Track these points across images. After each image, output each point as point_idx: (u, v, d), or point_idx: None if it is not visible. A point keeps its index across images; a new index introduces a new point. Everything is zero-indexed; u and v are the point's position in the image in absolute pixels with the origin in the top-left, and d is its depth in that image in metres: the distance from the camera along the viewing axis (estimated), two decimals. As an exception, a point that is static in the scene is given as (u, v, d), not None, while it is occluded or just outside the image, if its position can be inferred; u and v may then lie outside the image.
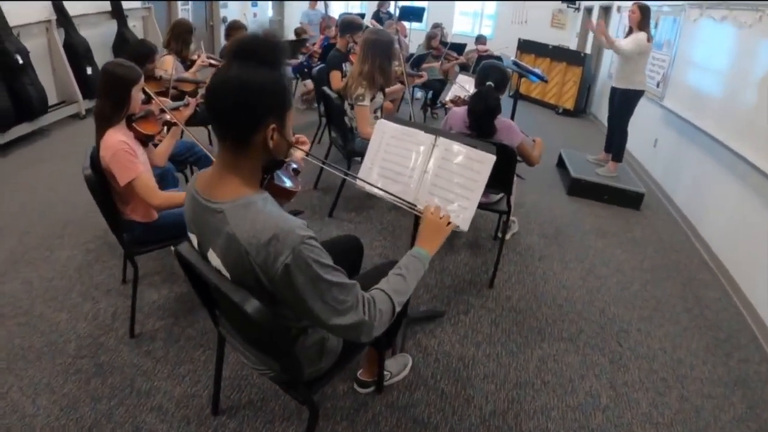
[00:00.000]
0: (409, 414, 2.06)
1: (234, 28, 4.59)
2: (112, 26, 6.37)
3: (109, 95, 2.12)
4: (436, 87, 6.66)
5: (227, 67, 1.14)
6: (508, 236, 3.55)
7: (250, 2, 10.44)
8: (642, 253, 3.68)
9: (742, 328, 2.94)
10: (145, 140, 2.33)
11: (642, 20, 4.36)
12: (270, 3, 11.45)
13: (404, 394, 2.15)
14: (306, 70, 6.22)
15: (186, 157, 3.22)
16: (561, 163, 5.26)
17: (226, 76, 1.13)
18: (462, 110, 2.94)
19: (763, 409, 2.31)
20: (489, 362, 2.39)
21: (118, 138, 2.08)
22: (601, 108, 7.49)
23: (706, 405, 2.30)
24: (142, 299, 2.57)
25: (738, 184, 3.55)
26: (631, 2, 4.48)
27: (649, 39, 4.39)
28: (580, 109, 8.32)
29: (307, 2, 9.01)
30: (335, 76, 4.28)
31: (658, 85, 5.39)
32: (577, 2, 9.51)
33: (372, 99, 3.41)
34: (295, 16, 10.78)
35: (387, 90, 3.67)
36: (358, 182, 1.99)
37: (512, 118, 4.07)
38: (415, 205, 1.81)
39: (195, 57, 4.12)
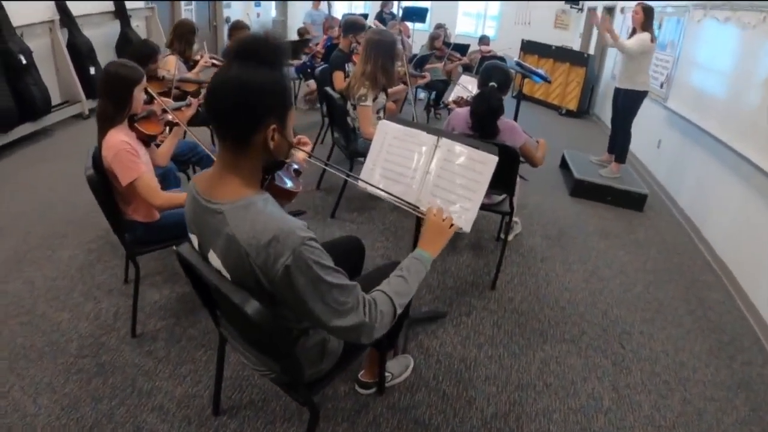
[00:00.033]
0: (410, 416, 2.05)
1: (236, 28, 4.59)
2: (116, 26, 6.38)
3: (111, 96, 2.12)
4: (439, 88, 6.66)
5: (227, 68, 1.14)
6: (510, 237, 3.54)
7: (253, 2, 10.44)
8: (645, 254, 3.67)
9: (746, 331, 2.93)
10: (147, 140, 2.33)
11: (645, 21, 4.35)
12: (273, 3, 11.44)
13: (405, 396, 2.14)
14: (309, 70, 6.22)
15: (188, 157, 3.22)
16: (564, 164, 5.25)
17: (226, 76, 1.13)
18: (464, 111, 2.94)
19: (766, 412, 2.30)
20: (491, 364, 2.38)
21: (120, 138, 2.08)
22: (604, 109, 7.47)
23: (709, 408, 2.28)
24: (143, 299, 2.57)
25: (742, 185, 3.53)
26: (635, 3, 4.47)
27: (653, 39, 4.37)
28: (584, 110, 8.30)
29: (310, 2, 9.01)
30: (338, 77, 4.28)
31: (661, 86, 5.37)
32: (580, 3, 9.49)
33: (374, 99, 3.41)
34: (298, 17, 10.79)
35: (390, 90, 3.66)
36: (360, 183, 1.98)
37: (515, 118, 4.06)
38: (418, 207, 1.81)
39: (198, 57, 4.13)
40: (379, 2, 9.00)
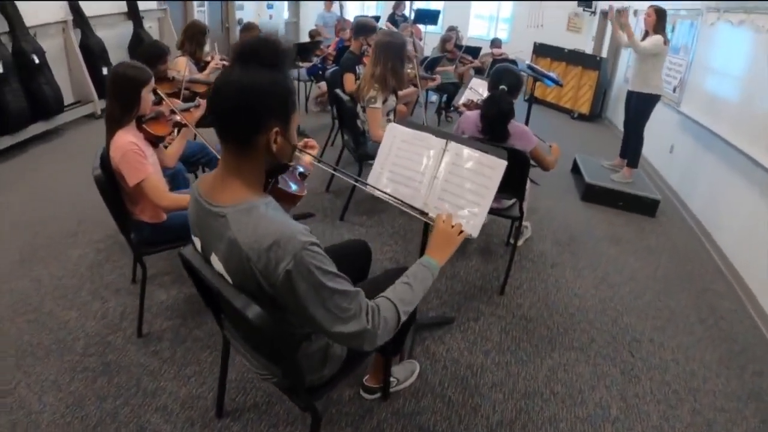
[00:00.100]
0: (415, 422, 2.03)
1: (247, 29, 4.60)
2: (128, 27, 6.43)
3: (119, 97, 2.12)
4: (450, 90, 6.63)
5: (230, 70, 1.13)
6: (520, 242, 3.51)
7: (265, 4, 10.47)
8: (656, 261, 3.62)
9: (758, 340, 2.87)
10: (155, 141, 2.33)
11: (658, 23, 4.30)
12: (285, 4, 11.47)
13: (410, 402, 2.12)
14: (320, 72, 6.22)
15: (197, 158, 3.23)
16: (576, 169, 5.20)
17: (227, 78, 1.12)
18: (474, 114, 2.91)
19: (779, 425, 2.26)
20: (498, 371, 2.36)
21: (127, 139, 2.08)
22: (616, 113, 7.40)
23: (719, 419, 2.24)
24: (150, 299, 2.58)
25: (755, 191, 3.47)
26: (647, 5, 4.42)
27: (666, 42, 4.33)
28: (596, 114, 8.22)
29: (322, 3, 9.02)
30: (349, 79, 4.27)
31: (674, 90, 5.31)
32: (593, 5, 9.42)
33: (384, 102, 3.40)
34: (310, 18, 10.81)
35: (400, 93, 3.65)
36: (368, 188, 1.97)
37: (527, 122, 4.03)
38: (427, 213, 1.79)
39: (208, 59, 4.14)
40: (392, 3, 8.98)
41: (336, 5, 9.05)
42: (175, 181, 2.77)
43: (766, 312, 3.01)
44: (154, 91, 2.32)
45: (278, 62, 1.15)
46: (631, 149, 4.73)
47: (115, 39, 6.19)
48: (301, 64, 5.66)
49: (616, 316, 2.90)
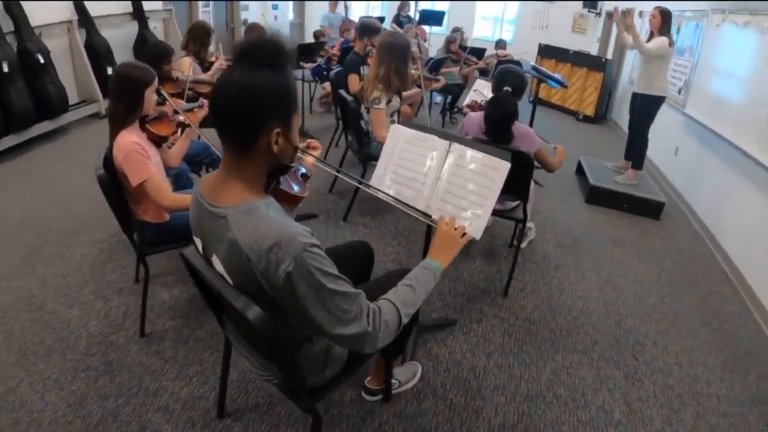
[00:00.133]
0: (416, 424, 2.02)
1: (252, 30, 4.60)
2: (133, 27, 6.45)
3: (122, 97, 2.13)
4: (455, 91, 6.62)
5: (231, 71, 1.13)
6: (524, 244, 3.50)
7: (270, 4, 10.48)
8: (660, 264, 3.60)
9: (762, 344, 2.85)
10: (158, 141, 2.34)
11: (663, 25, 4.28)
12: (290, 5, 11.49)
13: (412, 404, 2.11)
14: (325, 73, 6.22)
15: (201, 159, 3.24)
16: (580, 170, 5.18)
17: (228, 79, 1.12)
18: (478, 116, 2.90)
19: (783, 430, 2.24)
20: (500, 373, 2.35)
21: (131, 139, 2.08)
22: (621, 114, 7.38)
23: (722, 423, 2.22)
24: (153, 299, 2.58)
25: (761, 194, 3.45)
26: (653, 6, 4.40)
27: (671, 44, 4.31)
28: (601, 116, 8.20)
29: (327, 4, 9.02)
30: (353, 80, 4.27)
31: (679, 92, 5.29)
32: (598, 7, 9.39)
33: (388, 102, 3.39)
34: (315, 19, 10.81)
35: (404, 94, 3.64)
36: (371, 190, 1.96)
37: (531, 124, 4.02)
38: (430, 216, 1.78)
39: (213, 59, 4.14)
40: (396, 4, 8.98)
41: (341, 6, 9.05)
42: (179, 181, 2.77)
43: (771, 316, 2.99)
44: (158, 92, 2.32)
45: (279, 63, 1.14)
46: (636, 151, 4.71)
47: (120, 39, 6.21)
48: (305, 64, 5.65)
49: (619, 319, 2.88)
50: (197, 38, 3.97)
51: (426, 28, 8.14)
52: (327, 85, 6.44)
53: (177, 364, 2.21)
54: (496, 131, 2.78)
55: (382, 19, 7.35)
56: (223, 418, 1.96)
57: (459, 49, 7.01)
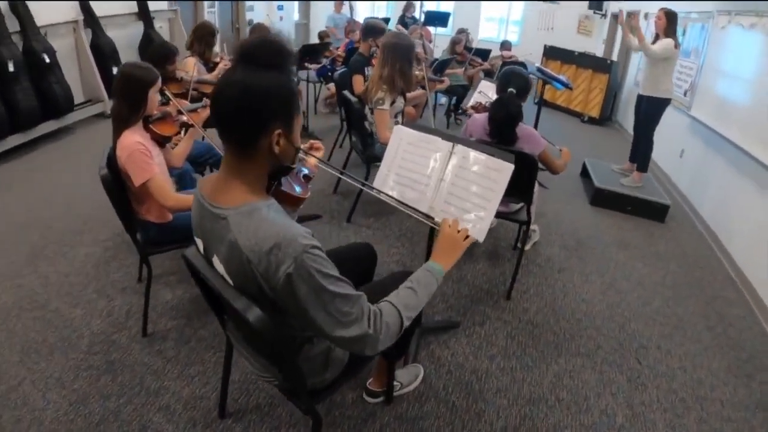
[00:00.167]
0: (418, 426, 2.02)
1: (256, 30, 4.61)
2: (139, 27, 6.47)
3: (126, 97, 2.13)
4: (460, 93, 6.61)
5: (232, 71, 1.13)
6: (528, 246, 3.48)
7: (275, 5, 10.49)
8: (665, 267, 3.58)
9: (766, 349, 2.83)
10: (161, 141, 2.34)
11: (668, 27, 4.26)
12: (296, 6, 11.50)
13: (414, 406, 2.11)
14: (330, 73, 6.22)
15: (205, 159, 3.24)
16: (585, 173, 5.16)
17: (230, 80, 1.12)
18: (482, 117, 2.90)
19: (788, 436, 2.22)
20: (502, 376, 2.34)
21: (134, 139, 2.09)
22: (627, 116, 7.34)
23: (726, 428, 2.20)
24: (156, 298, 2.58)
25: (766, 197, 3.43)
26: (658, 7, 4.38)
27: (677, 46, 4.29)
28: (606, 117, 8.17)
29: (333, 5, 9.03)
30: (357, 80, 4.27)
31: (685, 94, 5.26)
32: (603, 8, 9.37)
33: (392, 103, 3.38)
34: (320, 20, 10.82)
35: (409, 95, 3.63)
36: (374, 192, 1.95)
37: (536, 125, 4.01)
38: (433, 218, 1.78)
39: (218, 59, 4.15)
40: (402, 5, 8.97)
41: (346, 6, 9.05)
42: (183, 181, 2.78)
43: (777, 320, 2.96)
44: (162, 92, 2.32)
45: (281, 63, 1.14)
46: (641, 153, 4.69)
47: (126, 39, 6.23)
48: (310, 65, 5.65)
49: (623, 322, 2.86)
50: (202, 38, 3.98)
51: (431, 29, 8.13)
52: (332, 85, 6.45)
53: (179, 363, 2.21)
54: (501, 133, 2.77)
55: (387, 20, 7.32)
56: (224, 419, 1.96)
57: (464, 50, 7.00)
